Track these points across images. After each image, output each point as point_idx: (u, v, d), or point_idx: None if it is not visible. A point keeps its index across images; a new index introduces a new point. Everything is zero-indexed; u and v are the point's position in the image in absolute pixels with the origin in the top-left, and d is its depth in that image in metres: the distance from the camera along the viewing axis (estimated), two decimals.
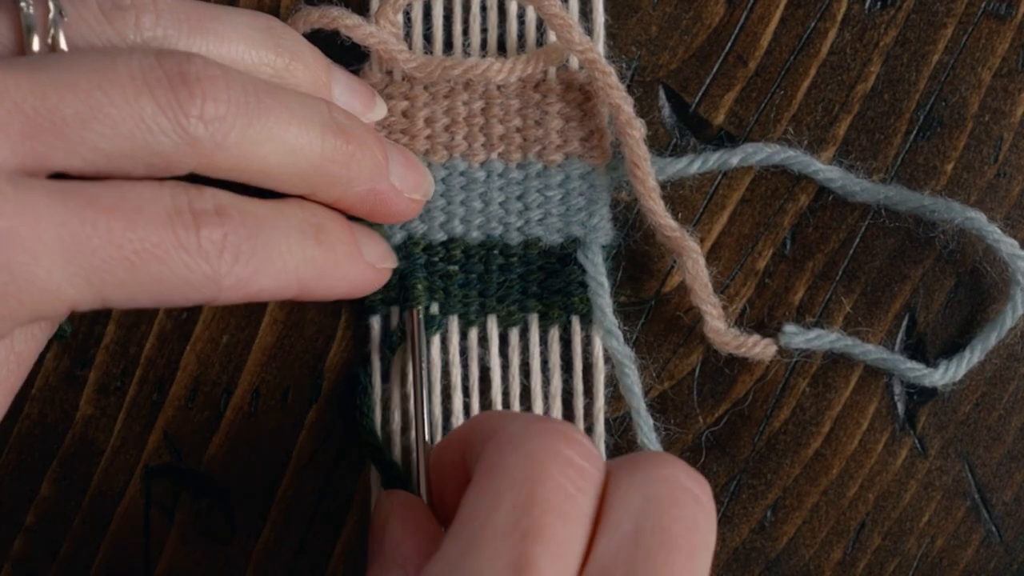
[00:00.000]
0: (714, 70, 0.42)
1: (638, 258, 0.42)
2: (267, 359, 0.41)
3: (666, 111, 0.42)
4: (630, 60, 0.42)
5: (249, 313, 0.41)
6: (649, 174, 0.40)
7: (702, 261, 0.40)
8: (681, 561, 0.31)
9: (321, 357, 0.41)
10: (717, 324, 0.40)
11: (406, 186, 0.38)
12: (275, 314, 0.41)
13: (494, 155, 0.41)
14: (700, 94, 0.42)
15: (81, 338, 0.41)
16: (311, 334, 0.41)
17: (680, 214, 0.41)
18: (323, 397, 0.41)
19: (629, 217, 0.41)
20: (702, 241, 0.41)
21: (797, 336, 0.41)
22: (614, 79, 0.40)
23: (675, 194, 0.41)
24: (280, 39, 0.36)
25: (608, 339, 0.40)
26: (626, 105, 0.40)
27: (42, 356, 0.41)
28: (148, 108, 0.31)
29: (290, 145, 0.34)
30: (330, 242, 0.36)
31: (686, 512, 0.32)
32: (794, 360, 0.41)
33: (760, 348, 0.40)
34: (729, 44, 0.42)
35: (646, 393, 0.41)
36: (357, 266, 0.37)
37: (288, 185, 0.35)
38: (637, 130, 0.40)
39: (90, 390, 0.41)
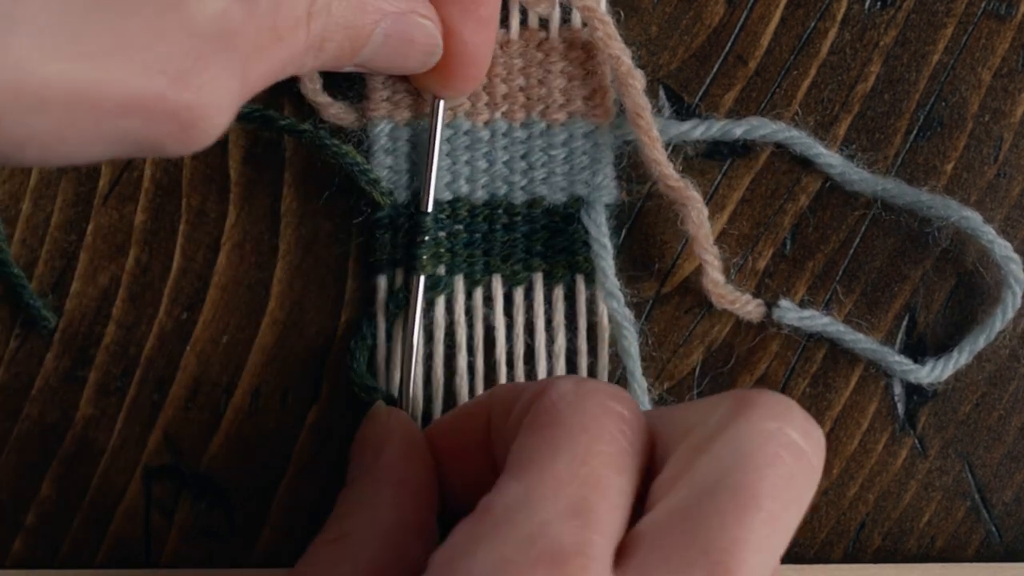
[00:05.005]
0: (714, 70, 0.42)
1: (638, 258, 0.42)
2: (267, 359, 0.41)
3: (666, 111, 0.42)
4: None
5: (249, 313, 0.41)
6: (652, 124, 0.40)
7: (705, 212, 0.40)
8: (758, 520, 0.29)
9: (321, 357, 0.41)
10: (716, 276, 0.40)
11: None
12: (275, 314, 0.41)
13: (498, 114, 0.41)
14: (700, 94, 0.42)
15: (81, 338, 0.41)
16: (311, 334, 0.41)
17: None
18: (323, 398, 0.41)
19: (628, 218, 0.41)
20: None
21: (791, 312, 0.41)
22: (612, 29, 0.40)
23: None
24: None
25: (609, 300, 0.40)
26: (625, 56, 0.40)
27: (42, 356, 0.41)
28: None
29: None
30: None
31: (781, 470, 0.29)
32: (794, 360, 0.41)
33: (752, 307, 0.41)
34: (729, 44, 0.42)
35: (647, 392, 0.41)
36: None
37: None
38: (638, 80, 0.40)
39: (90, 390, 0.41)
